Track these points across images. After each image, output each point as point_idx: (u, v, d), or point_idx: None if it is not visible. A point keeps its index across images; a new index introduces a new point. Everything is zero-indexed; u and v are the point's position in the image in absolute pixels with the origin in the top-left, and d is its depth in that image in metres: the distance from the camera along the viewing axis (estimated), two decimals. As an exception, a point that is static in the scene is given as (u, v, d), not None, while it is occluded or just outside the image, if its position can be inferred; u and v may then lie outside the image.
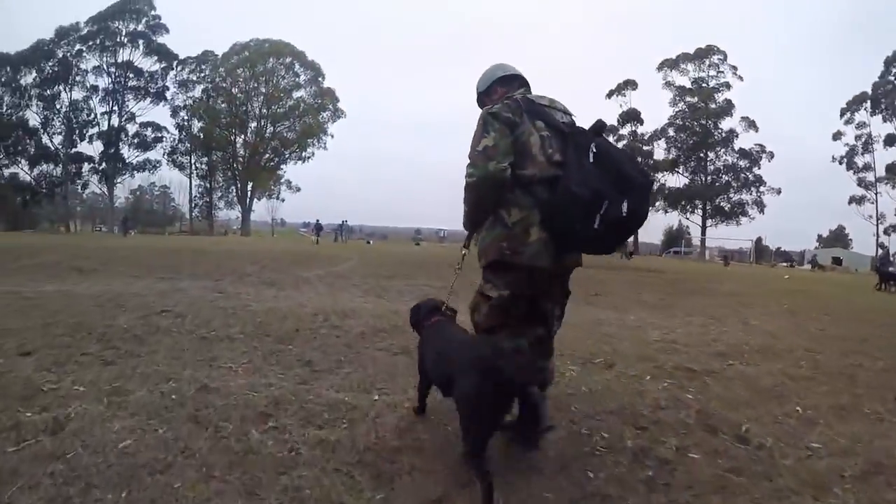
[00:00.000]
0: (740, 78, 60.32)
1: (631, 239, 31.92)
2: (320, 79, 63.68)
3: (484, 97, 2.91)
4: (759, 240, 64.26)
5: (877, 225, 56.19)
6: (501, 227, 2.49)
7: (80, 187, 59.08)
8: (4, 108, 52.68)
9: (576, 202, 2.29)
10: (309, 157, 63.92)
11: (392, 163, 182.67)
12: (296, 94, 63.45)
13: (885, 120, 54.60)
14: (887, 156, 54.50)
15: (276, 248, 23.06)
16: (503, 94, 2.78)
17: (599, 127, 2.52)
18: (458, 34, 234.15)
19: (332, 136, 64.15)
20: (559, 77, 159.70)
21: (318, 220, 47.18)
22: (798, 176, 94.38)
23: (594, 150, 2.37)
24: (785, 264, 53.43)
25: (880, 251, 26.27)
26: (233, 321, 5.50)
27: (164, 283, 8.83)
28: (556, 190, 2.38)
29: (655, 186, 62.30)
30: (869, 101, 55.70)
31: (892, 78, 53.76)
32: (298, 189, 65.81)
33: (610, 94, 65.36)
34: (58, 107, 54.65)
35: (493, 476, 2.05)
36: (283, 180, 65.06)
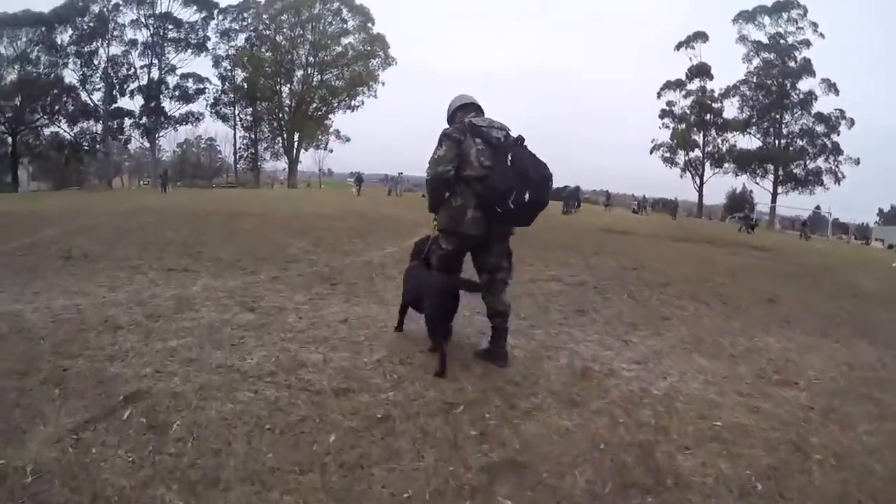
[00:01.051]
0: (821, 35, 62.95)
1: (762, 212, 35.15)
2: (370, 24, 66.96)
3: (449, 120, 4.71)
4: (816, 208, 68.12)
5: None
6: (449, 208, 4.31)
7: (123, 143, 64.09)
8: (42, 68, 56.61)
9: (495, 192, 4.06)
10: (358, 106, 67.79)
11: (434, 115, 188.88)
12: (344, 41, 67.10)
13: None
14: None
15: (328, 207, 20.85)
16: (461, 117, 4.54)
17: (519, 139, 4.32)
18: None
19: (383, 84, 68.03)
20: (628, 29, 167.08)
21: (359, 173, 51.53)
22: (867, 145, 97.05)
23: (510, 156, 4.15)
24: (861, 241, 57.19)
25: None
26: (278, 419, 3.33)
27: (168, 285, 6.86)
28: (484, 184, 4.14)
29: (725, 147, 67.70)
30: None
31: None
32: (348, 139, 70.10)
33: (679, 47, 68.96)
34: (96, 63, 58.77)
35: (446, 348, 4.25)
36: (331, 130, 69.69)
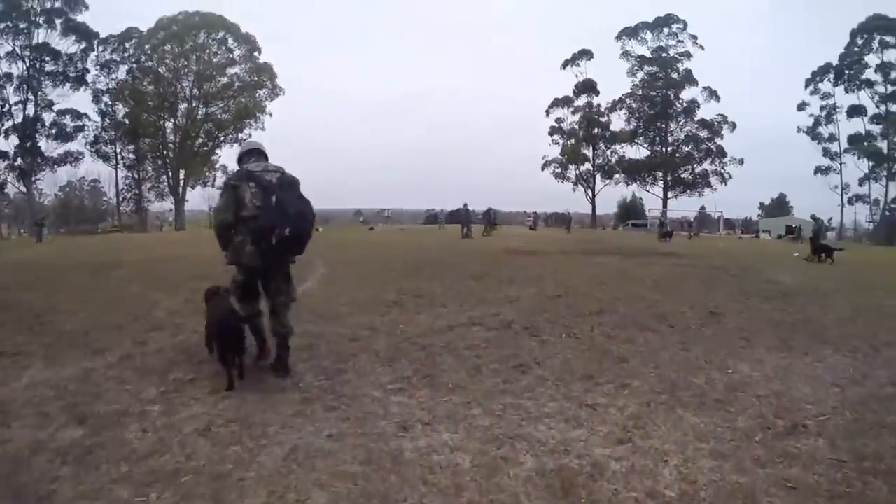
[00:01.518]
0: (701, 47, 66.34)
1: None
2: (256, 53, 64.74)
3: (238, 162, 5.30)
4: (702, 209, 70.44)
5: (841, 195, 63.74)
6: (233, 244, 4.81)
7: (-2, 188, 57.89)
8: None
9: (262, 229, 4.60)
10: (244, 140, 63.90)
11: (332, 141, 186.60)
12: (230, 71, 64.54)
13: (847, 91, 62.05)
14: (850, 126, 62.52)
15: (210, 250, 17.22)
16: (246, 161, 5.16)
17: (288, 181, 4.90)
18: (409, 11, 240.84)
19: (271, 115, 65.70)
20: (516, 49, 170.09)
21: None
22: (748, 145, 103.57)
23: (275, 197, 4.67)
24: (748, 234, 59.43)
25: (814, 223, 30.45)
26: None
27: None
28: (256, 222, 4.64)
29: (615, 158, 70.06)
30: (833, 72, 62.79)
31: (857, 49, 60.92)
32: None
33: (565, 65, 70.91)
34: (-35, 99, 53.97)
35: (232, 370, 4.62)
36: (217, 166, 65.86)
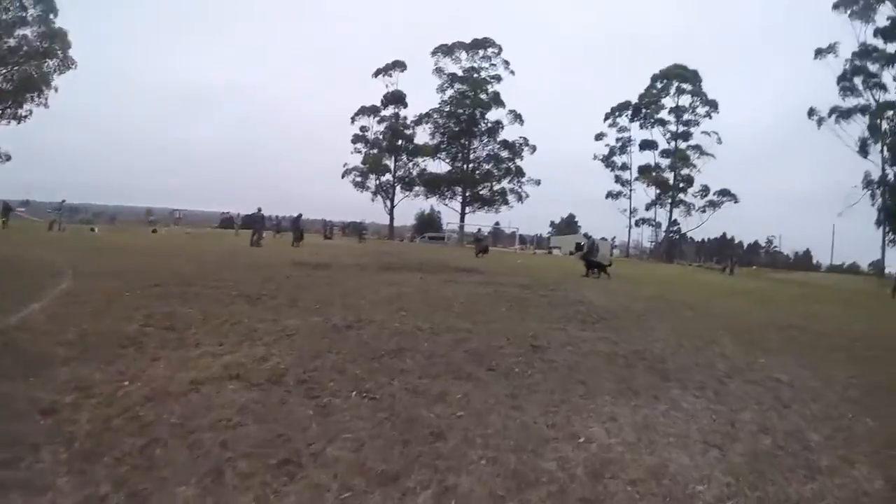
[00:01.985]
0: (512, 72, 68.44)
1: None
2: (51, 16, 52.51)
3: None
4: (496, 224, 74.63)
5: (630, 217, 71.58)
6: None
7: None
8: None
9: None
10: (25, 117, 53.32)
11: (126, 132, 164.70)
12: (18, 33, 51.62)
13: (642, 127, 70.05)
14: (641, 158, 70.57)
15: None
16: None
17: None
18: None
19: (56, 90, 53.64)
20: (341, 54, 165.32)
21: (4, 201, 39.61)
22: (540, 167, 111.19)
23: None
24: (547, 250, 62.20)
25: (586, 240, 32.24)
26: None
27: None
28: None
29: (416, 171, 69.96)
30: (631, 109, 70.01)
31: (655, 91, 68.34)
32: (8, 157, 54.64)
33: (377, 74, 69.64)
34: None
35: None
36: (-9, 145, 53.53)
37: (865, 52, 51.76)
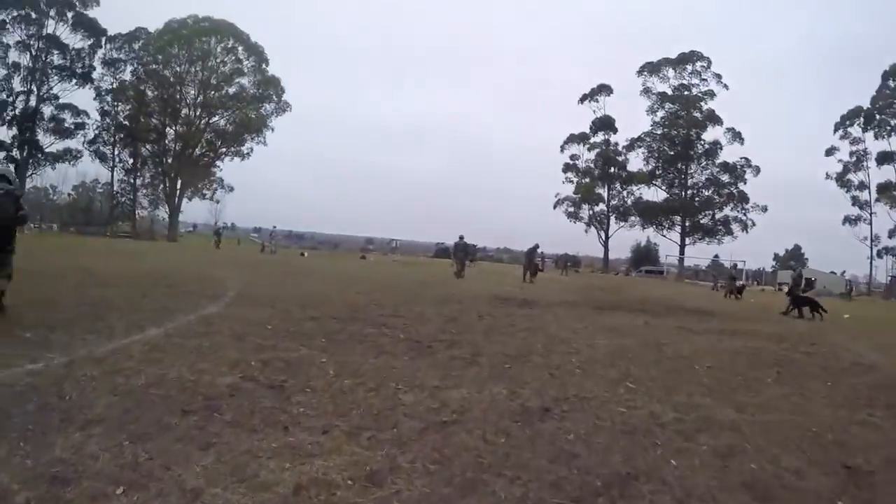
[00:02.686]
0: (725, 86, 62.38)
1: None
2: (264, 65, 61.66)
3: None
4: (715, 257, 65.83)
5: (871, 246, 58.14)
6: None
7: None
8: None
9: None
10: (248, 154, 61.94)
11: (345, 167, 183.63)
12: (238, 81, 61.37)
13: (877, 137, 56.65)
14: (880, 175, 56.74)
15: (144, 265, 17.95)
16: None
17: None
18: (435, 45, 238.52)
19: (273, 130, 62.34)
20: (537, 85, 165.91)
21: (219, 226, 47.85)
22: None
23: None
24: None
25: (792, 272, 24.70)
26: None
27: None
28: None
29: (630, 200, 65.86)
30: (863, 116, 57.45)
31: (889, 91, 55.61)
32: (231, 189, 63.34)
33: (583, 100, 67.34)
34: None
35: None
36: (215, 177, 62.86)
37: None
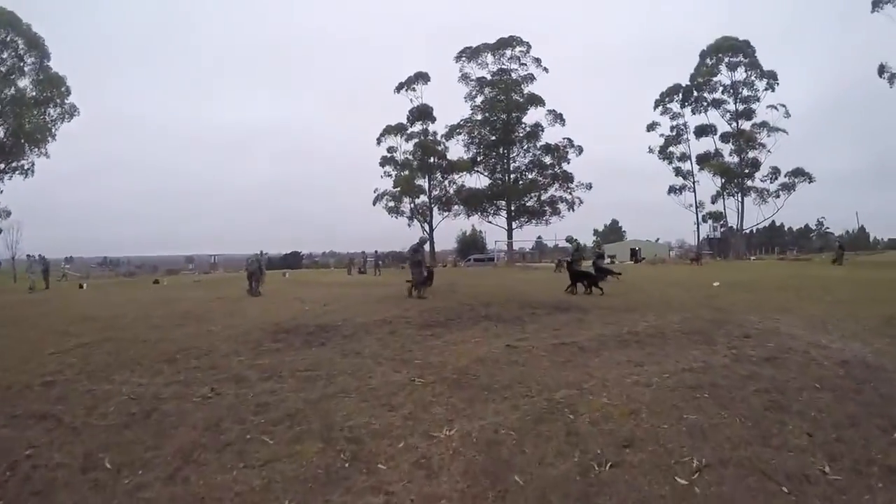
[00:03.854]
0: (545, 69, 61.00)
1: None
2: (46, 61, 48.43)
3: None
4: (538, 238, 67.60)
5: (696, 212, 63.20)
6: None
7: None
8: None
9: None
10: (29, 170, 48.81)
11: (167, 182, 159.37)
12: (19, 83, 47.49)
13: (694, 112, 61.56)
14: (699, 146, 62.09)
15: None
16: None
17: None
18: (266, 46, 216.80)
19: (55, 139, 49.03)
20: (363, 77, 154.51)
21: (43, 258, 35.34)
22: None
23: None
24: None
25: (569, 245, 21.38)
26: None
27: None
28: None
29: (453, 189, 62.52)
30: (682, 92, 61.61)
31: (706, 68, 59.85)
32: (8, 213, 50.26)
33: (399, 88, 63.32)
34: None
35: None
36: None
37: None
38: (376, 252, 45.89)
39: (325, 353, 8.40)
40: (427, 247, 18.83)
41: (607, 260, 60.76)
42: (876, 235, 79.63)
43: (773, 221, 69.28)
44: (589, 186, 60.81)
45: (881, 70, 49.32)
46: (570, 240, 20.83)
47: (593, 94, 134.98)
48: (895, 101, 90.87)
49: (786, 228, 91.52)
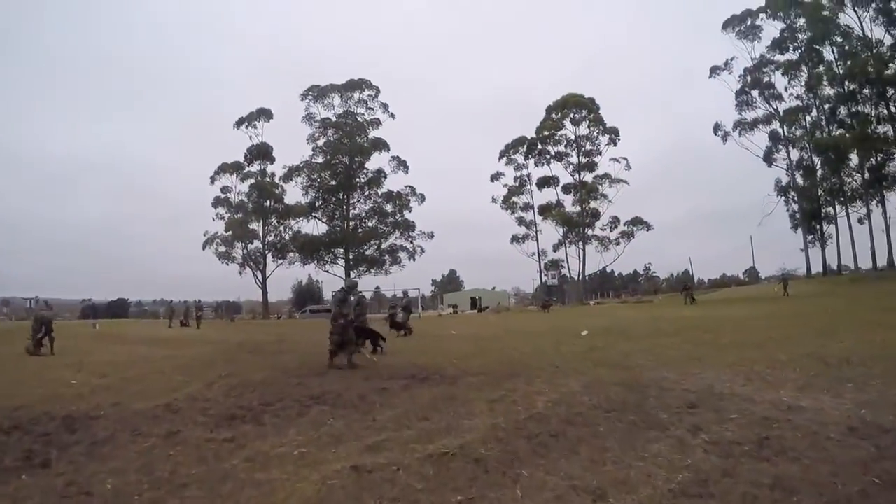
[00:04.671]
0: (392, 115, 58.71)
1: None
2: None
3: None
4: (377, 289, 64.13)
5: (539, 260, 63.06)
6: None
7: None
8: None
9: None
10: None
11: None
12: None
13: (537, 164, 61.94)
14: (542, 197, 62.26)
15: None
16: None
17: None
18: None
19: None
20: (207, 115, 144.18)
21: None
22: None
23: None
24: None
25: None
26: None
27: None
28: None
29: (289, 234, 58.31)
30: (527, 144, 61.47)
31: (551, 122, 60.34)
32: None
33: (239, 124, 58.83)
34: None
35: None
36: None
37: (760, 64, 51.67)
38: (198, 301, 40.20)
39: (34, 489, 4.49)
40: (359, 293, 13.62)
41: (448, 310, 58.98)
42: (699, 276, 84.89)
43: (605, 268, 70.88)
44: (431, 235, 58.71)
45: (716, 128, 54.78)
46: (350, 286, 13.37)
47: (439, 146, 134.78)
48: (720, 159, 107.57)
49: (616, 274, 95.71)
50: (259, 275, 58.45)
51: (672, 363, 9.32)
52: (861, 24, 44.80)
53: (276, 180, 58.99)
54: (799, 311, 19.83)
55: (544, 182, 61.76)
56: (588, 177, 60.57)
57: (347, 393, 7.87)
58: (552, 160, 61.22)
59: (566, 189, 61.38)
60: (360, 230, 57.85)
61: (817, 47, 47.58)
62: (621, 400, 6.56)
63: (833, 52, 47.12)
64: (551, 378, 8.37)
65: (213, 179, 59.36)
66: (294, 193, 58.93)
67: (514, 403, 6.67)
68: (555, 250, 62.13)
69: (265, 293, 59.00)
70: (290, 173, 57.77)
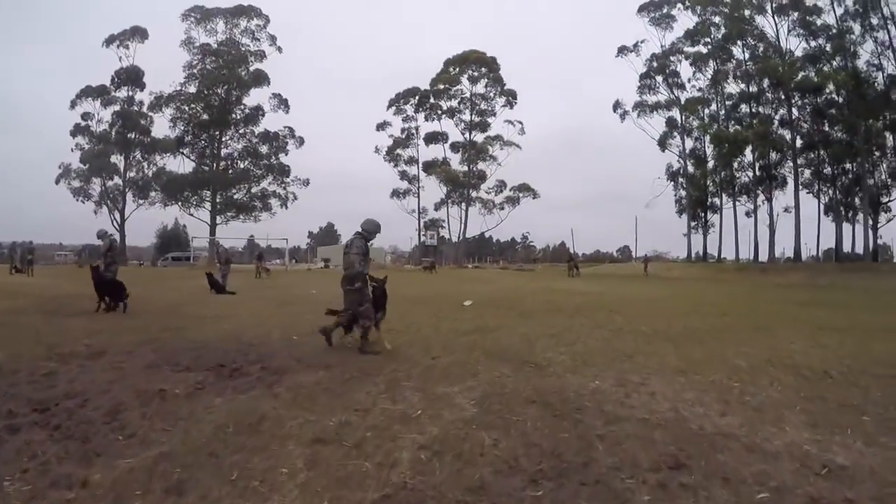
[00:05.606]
0: (279, 49, 53.76)
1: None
2: None
3: None
4: (251, 237, 62.58)
5: (419, 218, 60.44)
6: None
7: None
8: None
9: None
10: None
11: None
12: None
13: (428, 119, 58.68)
14: (428, 153, 59.32)
15: None
16: None
17: None
18: None
19: None
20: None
21: None
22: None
23: None
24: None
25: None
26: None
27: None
28: None
29: (152, 171, 52.39)
30: (418, 97, 57.98)
31: (448, 76, 57.63)
32: None
33: (109, 42, 51.71)
34: None
35: None
36: None
37: (669, 51, 51.42)
38: (28, 243, 34.89)
39: None
40: (110, 236, 10.44)
41: (320, 263, 55.20)
42: (576, 250, 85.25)
43: (484, 233, 69.01)
44: (306, 182, 54.38)
45: (616, 105, 53.72)
46: (101, 235, 12.53)
47: (328, 95, 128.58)
48: (619, 142, 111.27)
49: (494, 240, 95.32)
50: (117, 215, 52.23)
51: (597, 361, 6.46)
52: (777, 31, 44.48)
53: (144, 110, 52.56)
54: (702, 295, 18.64)
55: (433, 137, 58.78)
56: (479, 137, 58.07)
57: (99, 399, 4.36)
58: (444, 115, 58.36)
59: (455, 147, 58.75)
60: (230, 171, 52.64)
61: (728, 46, 47.36)
62: (550, 448, 3.47)
63: (744, 52, 46.72)
64: (425, 383, 5.22)
65: (73, 104, 52.31)
66: (162, 126, 52.78)
67: (359, 451, 3.35)
68: (436, 209, 59.71)
69: (122, 236, 52.11)
70: (159, 102, 51.52)
